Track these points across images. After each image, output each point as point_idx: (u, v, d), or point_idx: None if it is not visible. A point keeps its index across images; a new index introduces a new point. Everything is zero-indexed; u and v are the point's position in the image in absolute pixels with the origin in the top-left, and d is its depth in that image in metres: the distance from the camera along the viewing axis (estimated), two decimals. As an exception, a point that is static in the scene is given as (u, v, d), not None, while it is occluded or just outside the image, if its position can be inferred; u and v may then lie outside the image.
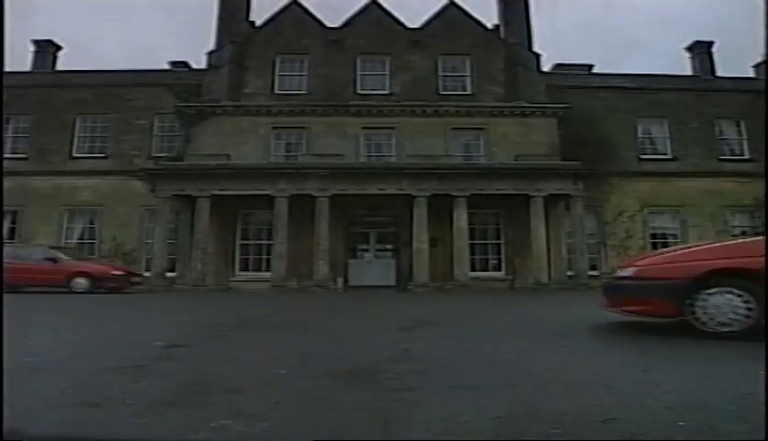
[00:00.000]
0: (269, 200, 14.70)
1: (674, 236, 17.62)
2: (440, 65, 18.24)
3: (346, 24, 18.75)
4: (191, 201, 15.03)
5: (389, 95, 17.90)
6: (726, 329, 4.05)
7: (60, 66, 20.61)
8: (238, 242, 16.27)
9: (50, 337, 4.59)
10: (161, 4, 64.26)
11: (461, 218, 14.69)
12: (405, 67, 18.16)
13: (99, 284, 12.38)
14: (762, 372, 2.53)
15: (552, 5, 50.68)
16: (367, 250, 16.80)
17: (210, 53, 18.62)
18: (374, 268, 16.21)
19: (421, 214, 14.63)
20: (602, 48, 59.59)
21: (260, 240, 16.21)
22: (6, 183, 16.40)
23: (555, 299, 10.64)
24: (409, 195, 14.78)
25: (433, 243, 14.94)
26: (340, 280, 15.21)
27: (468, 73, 18.26)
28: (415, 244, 14.62)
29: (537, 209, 14.74)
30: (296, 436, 1.92)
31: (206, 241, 14.61)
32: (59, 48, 20.87)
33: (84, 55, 42.52)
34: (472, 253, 15.50)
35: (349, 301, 10.68)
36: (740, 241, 5.34)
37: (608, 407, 2.15)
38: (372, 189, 14.86)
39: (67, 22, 56.97)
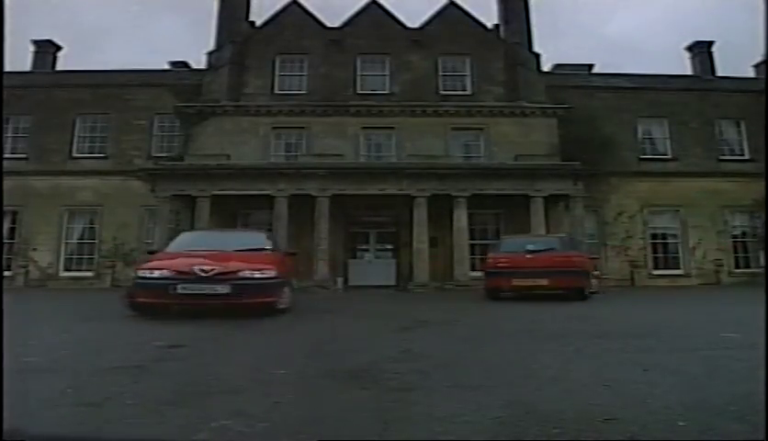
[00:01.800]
0: (269, 200, 14.70)
1: (674, 236, 17.65)
2: (440, 65, 18.23)
3: (346, 24, 18.75)
4: (191, 201, 15.03)
5: (389, 95, 17.90)
6: None
7: (60, 66, 20.62)
8: (238, 242, 16.25)
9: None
10: (161, 4, 64.35)
11: (461, 218, 14.68)
12: (405, 67, 18.16)
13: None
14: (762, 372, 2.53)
15: (552, 5, 50.71)
16: (367, 250, 16.81)
17: (210, 53, 18.62)
18: (374, 268, 16.21)
19: (421, 214, 14.63)
20: (602, 48, 59.62)
21: (260, 240, 16.18)
22: (6, 183, 16.39)
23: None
24: (409, 195, 14.78)
25: (433, 243, 14.94)
26: (340, 280, 15.20)
27: (467, 73, 18.26)
28: (415, 244, 14.62)
29: (537, 210, 14.73)
30: (296, 436, 1.92)
31: (206, 241, 14.59)
32: (59, 48, 20.89)
33: (85, 55, 42.54)
34: (472, 253, 15.49)
35: (349, 301, 10.67)
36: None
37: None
38: (372, 189, 14.86)
39: (67, 22, 57.01)
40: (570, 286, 9.27)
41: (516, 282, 9.40)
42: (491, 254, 10.37)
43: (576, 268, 9.46)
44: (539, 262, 9.31)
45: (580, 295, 9.26)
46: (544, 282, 9.26)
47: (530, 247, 9.89)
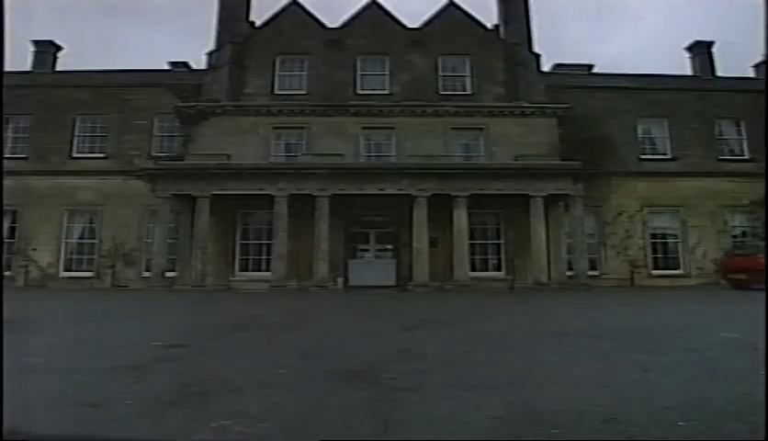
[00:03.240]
0: (269, 200, 14.70)
1: (674, 236, 17.64)
2: (440, 65, 18.22)
3: (346, 24, 18.74)
4: (191, 201, 15.02)
5: (389, 95, 17.88)
6: None
7: (60, 66, 20.61)
8: (238, 242, 16.26)
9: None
10: (161, 4, 64.36)
11: (461, 218, 14.67)
12: (405, 67, 18.14)
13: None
14: (762, 372, 2.53)
15: (552, 5, 50.64)
16: (367, 250, 16.79)
17: (210, 53, 18.61)
18: (374, 268, 16.19)
19: (421, 214, 14.62)
20: (602, 48, 59.62)
21: (260, 240, 16.20)
22: (6, 183, 16.39)
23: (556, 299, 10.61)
24: (409, 195, 14.76)
25: (433, 243, 14.93)
26: (340, 280, 15.19)
27: (467, 73, 18.25)
28: (415, 244, 14.61)
29: (537, 210, 14.72)
30: (296, 436, 1.92)
31: (206, 241, 14.60)
32: (59, 48, 20.87)
33: (85, 55, 42.50)
34: (472, 253, 15.49)
35: (349, 301, 10.67)
36: None
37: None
38: (372, 189, 14.84)
39: (67, 22, 57.01)
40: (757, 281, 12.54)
41: (731, 276, 14.17)
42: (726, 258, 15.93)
43: (758, 268, 12.73)
44: (740, 264, 13.97)
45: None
46: (743, 277, 13.48)
47: (738, 252, 15.28)
